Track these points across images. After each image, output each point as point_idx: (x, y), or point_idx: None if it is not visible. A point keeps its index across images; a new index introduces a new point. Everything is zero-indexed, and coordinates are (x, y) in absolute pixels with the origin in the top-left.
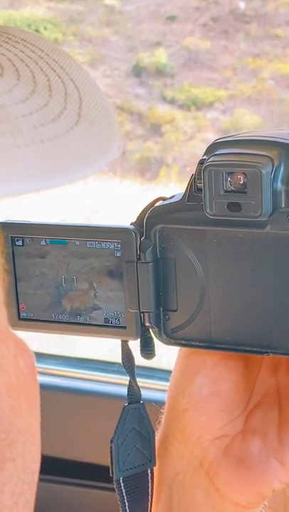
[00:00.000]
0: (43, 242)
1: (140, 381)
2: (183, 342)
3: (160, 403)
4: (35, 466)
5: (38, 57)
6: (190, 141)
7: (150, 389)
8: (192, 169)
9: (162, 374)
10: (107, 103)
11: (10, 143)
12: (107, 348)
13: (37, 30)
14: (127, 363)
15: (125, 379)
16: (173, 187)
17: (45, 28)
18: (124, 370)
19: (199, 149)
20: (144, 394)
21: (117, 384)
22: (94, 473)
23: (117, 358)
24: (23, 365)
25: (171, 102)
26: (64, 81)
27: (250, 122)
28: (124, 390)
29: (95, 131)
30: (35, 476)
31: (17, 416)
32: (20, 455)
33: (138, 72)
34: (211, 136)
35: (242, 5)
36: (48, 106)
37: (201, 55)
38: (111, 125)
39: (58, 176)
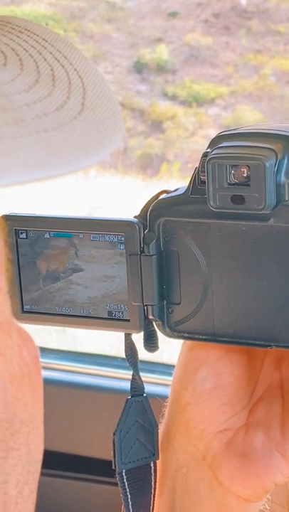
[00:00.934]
0: (46, 235)
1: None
2: (186, 335)
3: (163, 397)
4: (39, 456)
5: (41, 47)
6: (191, 137)
7: (152, 383)
8: (193, 165)
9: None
10: (111, 93)
11: (14, 132)
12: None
13: None
14: (131, 356)
15: (126, 373)
16: (174, 183)
17: (46, 25)
18: (126, 363)
19: (201, 146)
20: (147, 388)
21: (119, 378)
22: (96, 468)
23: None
24: (26, 355)
25: (173, 98)
26: (68, 71)
27: (251, 118)
28: (125, 385)
29: (98, 121)
30: (39, 466)
31: (20, 406)
32: (24, 445)
33: (139, 68)
34: (213, 133)
35: (243, 1)
36: (51, 95)
37: (202, 52)
38: (115, 115)
39: (62, 165)
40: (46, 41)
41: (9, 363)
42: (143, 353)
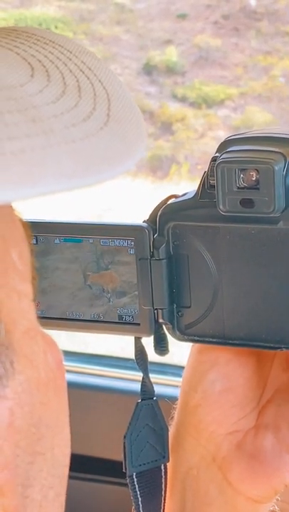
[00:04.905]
0: (56, 241)
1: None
2: (196, 338)
3: (173, 399)
4: (65, 460)
5: (66, 58)
6: (201, 139)
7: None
8: (203, 167)
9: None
10: (134, 104)
11: (43, 143)
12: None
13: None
14: (140, 360)
15: (136, 375)
16: (184, 185)
17: (55, 27)
18: (137, 366)
19: (210, 147)
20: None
21: (129, 380)
22: (106, 468)
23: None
24: (51, 360)
25: (182, 100)
26: (92, 82)
27: (261, 120)
28: (135, 386)
29: (123, 131)
30: (66, 469)
31: (46, 411)
32: (49, 449)
33: (149, 70)
34: (222, 134)
35: (253, 2)
36: (78, 106)
37: (211, 53)
38: (139, 125)
39: (89, 175)
40: (71, 53)
41: (36, 368)
42: (153, 355)
